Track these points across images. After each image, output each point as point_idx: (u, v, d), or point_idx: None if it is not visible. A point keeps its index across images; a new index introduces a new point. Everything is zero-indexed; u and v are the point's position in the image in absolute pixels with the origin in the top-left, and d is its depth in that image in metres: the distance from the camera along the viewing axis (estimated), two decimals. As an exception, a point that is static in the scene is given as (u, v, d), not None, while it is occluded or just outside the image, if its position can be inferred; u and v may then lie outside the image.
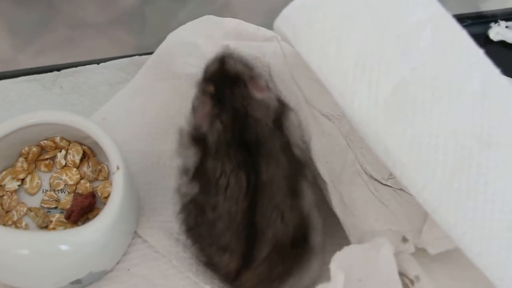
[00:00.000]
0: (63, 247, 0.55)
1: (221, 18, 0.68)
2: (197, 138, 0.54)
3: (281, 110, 0.55)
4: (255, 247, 0.53)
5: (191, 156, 0.55)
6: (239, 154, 0.52)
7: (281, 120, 0.54)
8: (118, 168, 0.58)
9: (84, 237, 0.55)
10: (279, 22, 0.51)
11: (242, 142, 0.53)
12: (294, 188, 0.52)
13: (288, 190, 0.52)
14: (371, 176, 0.54)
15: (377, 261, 0.46)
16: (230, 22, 0.68)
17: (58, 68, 0.75)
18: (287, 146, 0.53)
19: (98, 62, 0.75)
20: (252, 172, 0.52)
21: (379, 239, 0.48)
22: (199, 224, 0.54)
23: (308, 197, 0.53)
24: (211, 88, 0.55)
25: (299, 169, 0.54)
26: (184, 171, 0.56)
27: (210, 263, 0.55)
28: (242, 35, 0.66)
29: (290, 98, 0.60)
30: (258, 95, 0.54)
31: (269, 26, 0.65)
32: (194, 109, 0.56)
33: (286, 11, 0.50)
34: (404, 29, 0.50)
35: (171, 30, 0.73)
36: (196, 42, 0.69)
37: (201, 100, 0.55)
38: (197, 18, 0.72)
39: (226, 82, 0.55)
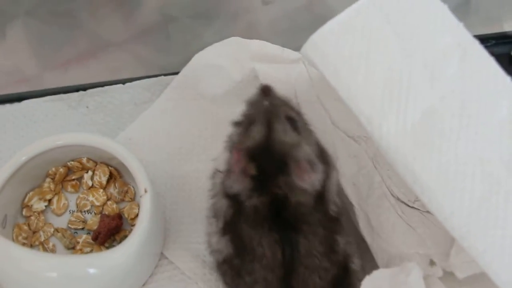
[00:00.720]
0: (92, 271, 0.56)
1: (247, 40, 0.69)
2: (231, 195, 0.53)
3: (325, 177, 0.54)
4: None
5: (223, 206, 0.55)
6: (277, 230, 0.53)
7: (323, 190, 0.53)
8: (146, 191, 0.60)
9: (113, 261, 0.57)
10: (307, 48, 0.52)
11: (280, 218, 0.53)
12: (331, 245, 0.54)
13: (325, 250, 0.53)
14: (398, 199, 0.55)
15: (407, 285, 0.47)
16: (256, 44, 0.69)
17: (84, 87, 0.77)
18: (325, 209, 0.54)
19: (123, 82, 0.77)
20: (289, 246, 0.52)
21: (408, 263, 0.49)
22: (237, 285, 0.55)
23: (342, 246, 0.55)
24: (252, 170, 0.52)
25: (335, 226, 0.55)
26: (215, 216, 0.58)
27: None
28: (267, 57, 0.67)
29: (316, 120, 0.61)
30: (302, 183, 0.52)
31: (293, 45, 0.67)
32: (230, 171, 0.54)
33: (314, 37, 0.51)
34: (431, 56, 0.51)
35: (196, 49, 0.75)
36: (222, 64, 0.70)
37: (238, 177, 0.53)
38: (221, 37, 0.73)
39: (270, 167, 0.53)
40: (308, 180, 0.51)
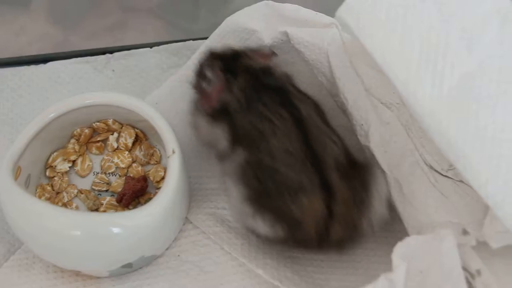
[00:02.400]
0: (116, 230, 0.57)
1: (279, 3, 0.69)
2: (218, 114, 0.59)
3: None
4: (326, 175, 0.56)
5: (220, 133, 0.60)
6: (273, 96, 0.58)
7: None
8: (173, 151, 0.60)
9: (138, 221, 0.58)
10: (342, 11, 0.52)
11: (269, 88, 0.58)
12: (327, 122, 0.59)
13: (324, 124, 0.58)
14: (431, 167, 0.56)
15: (440, 253, 0.48)
16: (288, 8, 0.69)
17: (111, 50, 0.77)
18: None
19: (150, 46, 0.78)
20: (291, 107, 0.57)
21: (442, 230, 0.49)
22: (264, 180, 0.56)
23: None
24: (219, 63, 0.60)
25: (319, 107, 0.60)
26: (218, 154, 0.62)
27: (294, 224, 0.55)
28: (300, 21, 0.67)
29: (348, 85, 0.61)
30: (264, 61, 0.61)
31: (324, 10, 0.67)
32: (204, 90, 0.61)
33: (350, 0, 0.52)
34: (470, 21, 0.51)
35: (225, 15, 0.74)
36: (254, 28, 0.70)
37: (213, 75, 0.60)
38: (251, 3, 0.73)
39: (231, 57, 0.62)
40: (268, 59, 0.64)
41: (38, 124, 0.63)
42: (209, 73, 0.60)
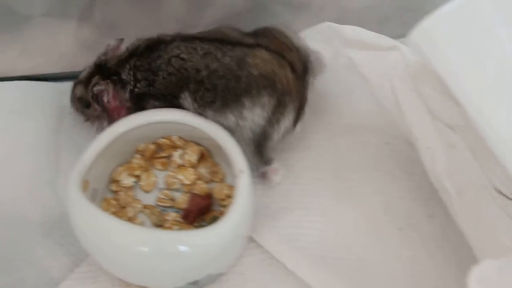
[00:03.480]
0: (184, 248, 0.58)
1: (340, 25, 0.70)
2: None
3: None
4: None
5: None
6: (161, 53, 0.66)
7: None
8: (242, 172, 0.61)
9: (206, 240, 0.58)
10: (416, 35, 0.53)
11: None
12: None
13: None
14: (499, 192, 0.56)
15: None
16: (349, 30, 0.70)
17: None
18: None
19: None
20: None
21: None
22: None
23: None
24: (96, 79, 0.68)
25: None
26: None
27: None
28: (361, 43, 0.68)
29: (411, 108, 0.62)
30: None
31: (384, 35, 0.68)
32: (109, 108, 0.68)
33: (424, 25, 0.52)
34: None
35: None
36: (314, 49, 0.71)
37: (104, 89, 0.68)
38: (311, 25, 0.75)
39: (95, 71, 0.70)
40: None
41: (106, 139, 0.65)
42: (100, 91, 0.68)
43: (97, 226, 0.58)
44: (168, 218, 0.66)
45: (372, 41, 0.68)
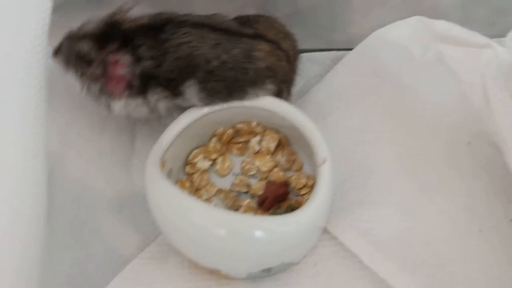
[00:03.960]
0: (263, 234, 0.57)
1: (432, 20, 0.68)
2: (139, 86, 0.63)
3: None
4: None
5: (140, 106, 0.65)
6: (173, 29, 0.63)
7: None
8: (324, 161, 0.60)
9: (286, 227, 0.57)
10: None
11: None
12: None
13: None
14: None
15: None
16: (441, 25, 0.68)
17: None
18: None
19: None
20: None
21: None
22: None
23: None
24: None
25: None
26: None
27: None
28: (453, 39, 0.66)
29: (504, 108, 0.60)
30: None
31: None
32: (112, 75, 0.63)
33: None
34: None
35: (365, 27, 0.76)
36: (404, 43, 0.70)
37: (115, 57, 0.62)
38: (399, 18, 0.73)
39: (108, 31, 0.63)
40: None
41: (185, 121, 0.65)
42: (116, 60, 0.62)
43: (176, 205, 0.57)
44: (242, 203, 0.66)
45: (464, 38, 0.66)
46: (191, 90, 0.63)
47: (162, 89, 0.64)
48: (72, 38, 0.63)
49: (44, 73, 0.57)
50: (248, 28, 0.64)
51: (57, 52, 0.63)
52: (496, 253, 0.61)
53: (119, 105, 0.63)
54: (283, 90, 0.66)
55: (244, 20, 0.67)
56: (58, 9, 0.58)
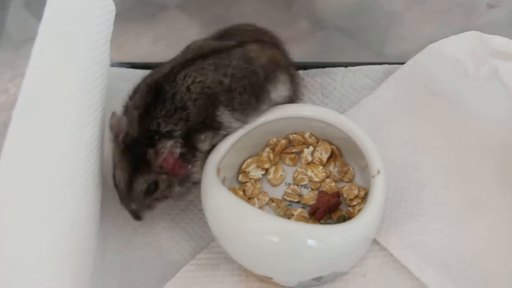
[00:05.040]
0: (316, 242, 0.58)
1: (488, 35, 0.69)
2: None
3: None
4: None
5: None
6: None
7: None
8: (378, 172, 0.61)
9: (337, 236, 0.59)
10: None
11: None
12: None
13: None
14: None
15: None
16: (498, 40, 0.69)
17: (305, 66, 0.80)
18: None
19: (346, 65, 0.79)
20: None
21: None
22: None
23: None
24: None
25: None
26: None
27: None
28: (509, 55, 0.67)
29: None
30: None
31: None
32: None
33: None
34: None
35: (416, 42, 0.77)
36: (458, 58, 0.71)
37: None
38: (452, 34, 0.74)
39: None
40: None
41: (240, 131, 0.67)
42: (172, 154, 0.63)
43: (232, 211, 0.59)
44: (294, 213, 0.67)
45: (521, 54, 0.65)
46: (225, 117, 0.65)
47: (203, 133, 0.65)
48: (126, 196, 0.63)
49: (105, 79, 0.60)
50: (228, 41, 0.65)
51: (137, 218, 0.65)
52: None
53: (196, 171, 0.64)
54: (293, 74, 0.69)
55: (219, 36, 0.68)
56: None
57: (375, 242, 0.66)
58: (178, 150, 0.60)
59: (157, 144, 0.59)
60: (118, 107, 0.64)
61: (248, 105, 0.66)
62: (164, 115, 0.62)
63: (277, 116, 0.68)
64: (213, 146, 0.65)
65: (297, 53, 0.78)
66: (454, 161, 0.71)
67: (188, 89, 0.63)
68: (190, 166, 0.63)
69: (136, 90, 0.65)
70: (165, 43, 0.80)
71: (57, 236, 0.52)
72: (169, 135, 0.61)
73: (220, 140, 0.65)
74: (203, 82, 0.63)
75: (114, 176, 0.62)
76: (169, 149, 0.59)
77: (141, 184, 0.61)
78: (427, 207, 0.68)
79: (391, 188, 0.69)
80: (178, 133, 0.62)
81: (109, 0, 0.63)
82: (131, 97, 0.65)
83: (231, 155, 0.67)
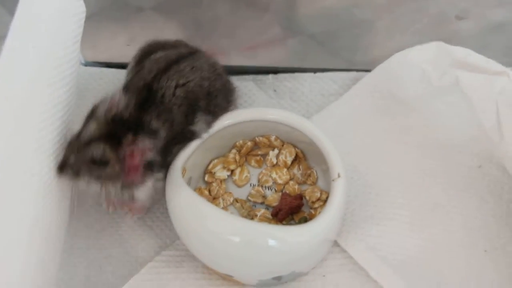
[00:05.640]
0: (276, 242, 0.59)
1: (451, 46, 0.72)
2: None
3: None
4: None
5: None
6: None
7: None
8: (339, 175, 0.63)
9: (297, 237, 0.60)
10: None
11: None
12: None
13: None
14: None
15: None
16: (460, 51, 0.71)
17: (275, 71, 0.82)
18: None
19: (314, 71, 0.81)
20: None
21: None
22: None
23: None
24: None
25: None
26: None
27: None
28: (470, 65, 0.70)
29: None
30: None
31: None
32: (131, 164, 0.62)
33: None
34: None
35: (386, 50, 0.79)
36: (422, 67, 0.73)
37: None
38: (421, 43, 0.77)
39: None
40: None
41: (209, 131, 0.68)
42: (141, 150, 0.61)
43: (194, 210, 0.61)
44: (257, 213, 0.69)
45: (481, 65, 0.69)
46: (200, 124, 0.68)
47: (176, 145, 0.67)
48: (77, 148, 0.60)
49: (75, 78, 0.61)
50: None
51: (63, 167, 0.60)
52: (500, 273, 0.64)
53: (143, 190, 0.63)
54: None
55: (143, 54, 0.71)
56: (87, 19, 0.63)
57: (335, 244, 0.68)
58: (150, 155, 0.60)
59: (140, 135, 0.59)
60: (89, 105, 0.66)
61: (220, 107, 0.68)
62: (155, 114, 0.63)
63: (244, 118, 0.70)
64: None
65: (268, 58, 0.81)
66: (416, 167, 0.73)
67: (173, 93, 0.65)
68: (146, 178, 0.62)
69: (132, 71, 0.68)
70: (140, 44, 0.82)
71: (21, 231, 0.54)
72: (154, 134, 0.62)
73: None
74: (186, 86, 0.66)
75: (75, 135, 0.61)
76: (146, 147, 0.59)
77: (97, 148, 0.59)
78: (387, 211, 0.70)
79: (353, 192, 0.71)
80: (162, 136, 0.62)
81: (80, 1, 0.64)
82: (130, 76, 0.67)
83: (198, 155, 0.69)
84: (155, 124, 0.62)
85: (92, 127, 0.59)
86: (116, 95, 0.61)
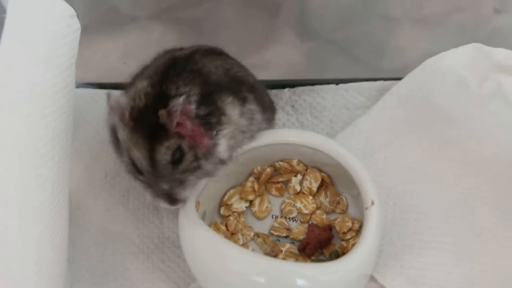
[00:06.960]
0: (300, 282, 0.60)
1: (491, 47, 0.73)
2: None
3: None
4: None
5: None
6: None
7: None
8: (373, 203, 0.64)
9: (327, 275, 0.60)
10: None
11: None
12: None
13: None
14: None
15: None
16: (502, 53, 0.72)
17: (292, 84, 0.83)
18: None
19: (337, 82, 0.82)
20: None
21: None
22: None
23: None
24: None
25: None
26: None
27: None
28: (512, 68, 0.70)
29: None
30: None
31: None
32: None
33: None
34: None
35: (418, 56, 0.80)
36: (459, 73, 0.74)
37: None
38: (454, 45, 0.78)
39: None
40: None
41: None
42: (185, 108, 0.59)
43: (212, 250, 0.61)
44: (282, 249, 0.69)
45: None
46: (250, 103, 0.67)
47: (230, 95, 0.65)
48: (153, 174, 0.60)
49: (71, 102, 0.62)
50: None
51: (175, 201, 0.63)
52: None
53: (223, 147, 0.63)
54: None
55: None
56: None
57: (372, 279, 0.69)
58: (193, 107, 0.58)
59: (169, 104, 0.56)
60: (84, 131, 0.66)
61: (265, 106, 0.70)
62: (181, 81, 0.61)
63: (261, 142, 0.70)
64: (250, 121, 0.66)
65: (281, 68, 0.82)
66: (458, 186, 0.74)
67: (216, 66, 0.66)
68: (215, 133, 0.61)
69: (145, 67, 0.67)
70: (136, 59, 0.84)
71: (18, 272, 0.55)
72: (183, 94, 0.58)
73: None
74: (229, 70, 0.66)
75: (132, 163, 0.60)
76: (182, 104, 0.56)
77: (163, 153, 0.58)
78: (428, 238, 0.70)
79: (389, 219, 0.72)
80: (196, 92, 0.60)
81: (74, 18, 0.65)
82: (138, 74, 0.67)
83: (212, 186, 0.69)
84: (182, 88, 0.60)
85: (135, 152, 0.59)
86: (114, 99, 0.59)
